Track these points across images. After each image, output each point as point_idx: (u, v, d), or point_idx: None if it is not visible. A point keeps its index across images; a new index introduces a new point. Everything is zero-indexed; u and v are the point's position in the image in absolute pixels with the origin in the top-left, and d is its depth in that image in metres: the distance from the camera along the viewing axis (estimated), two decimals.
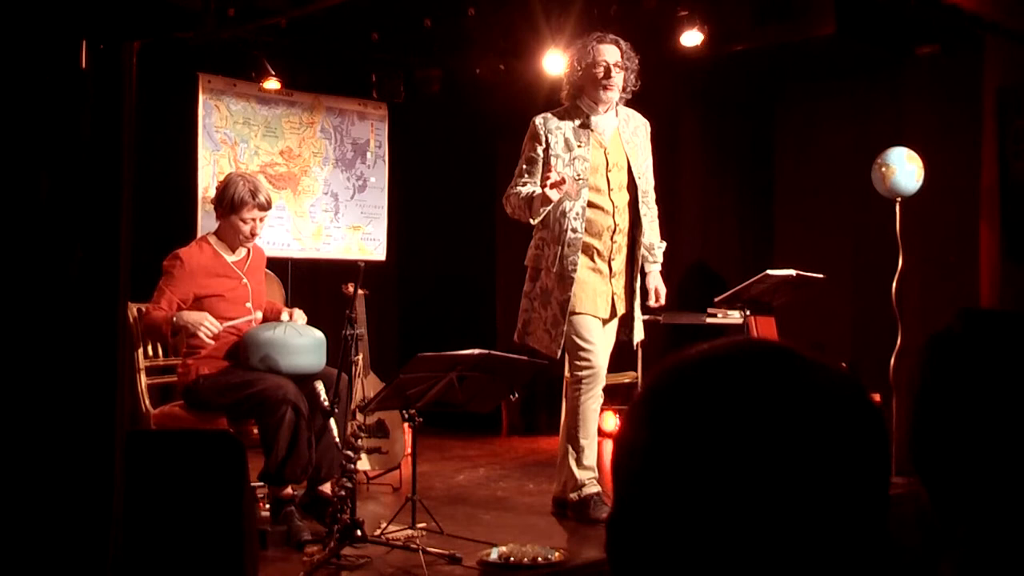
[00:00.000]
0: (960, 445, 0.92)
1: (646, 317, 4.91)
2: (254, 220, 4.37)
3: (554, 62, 6.26)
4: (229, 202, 4.33)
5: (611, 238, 4.44)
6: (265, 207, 4.41)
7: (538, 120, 4.49)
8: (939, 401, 0.94)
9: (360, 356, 5.08)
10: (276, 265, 5.28)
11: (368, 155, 7.03)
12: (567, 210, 4.37)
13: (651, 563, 0.79)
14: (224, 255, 4.40)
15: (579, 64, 4.45)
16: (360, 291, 4.50)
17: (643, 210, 4.55)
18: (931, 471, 0.93)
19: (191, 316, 4.16)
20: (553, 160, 4.38)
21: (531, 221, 4.42)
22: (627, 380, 5.92)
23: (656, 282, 4.63)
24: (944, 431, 0.93)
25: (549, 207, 4.32)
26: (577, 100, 4.50)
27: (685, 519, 0.77)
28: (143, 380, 4.48)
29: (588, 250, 4.41)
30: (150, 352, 4.63)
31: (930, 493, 0.96)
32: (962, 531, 0.94)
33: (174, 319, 4.15)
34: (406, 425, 4.18)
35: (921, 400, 0.96)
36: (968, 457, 0.92)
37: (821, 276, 5.93)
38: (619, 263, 4.49)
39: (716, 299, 6.05)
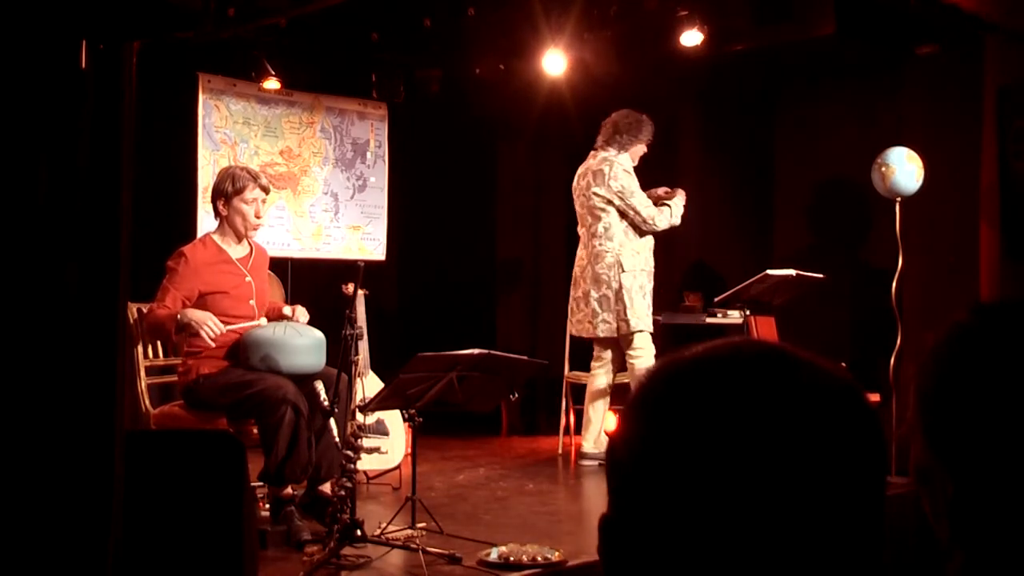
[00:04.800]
0: (980, 441, 0.92)
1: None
2: (256, 200, 4.38)
3: (554, 62, 6.26)
4: (231, 186, 4.34)
5: None
6: (266, 189, 4.45)
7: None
8: (958, 397, 0.93)
9: (360, 356, 5.08)
10: (276, 265, 5.28)
11: (368, 155, 7.03)
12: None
13: (645, 564, 0.79)
14: (228, 251, 4.40)
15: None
16: (360, 291, 4.50)
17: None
18: (952, 463, 0.92)
19: (195, 314, 4.15)
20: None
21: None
22: (627, 380, 5.91)
23: None
24: (964, 427, 0.93)
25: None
26: (629, 152, 5.82)
27: (679, 520, 0.76)
28: (143, 380, 4.48)
29: None
30: (150, 352, 4.62)
31: (938, 493, 0.95)
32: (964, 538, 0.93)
33: (178, 316, 4.15)
34: (406, 425, 4.17)
35: (937, 398, 0.95)
36: (988, 453, 0.91)
37: (821, 276, 5.92)
38: None
39: (716, 299, 6.05)
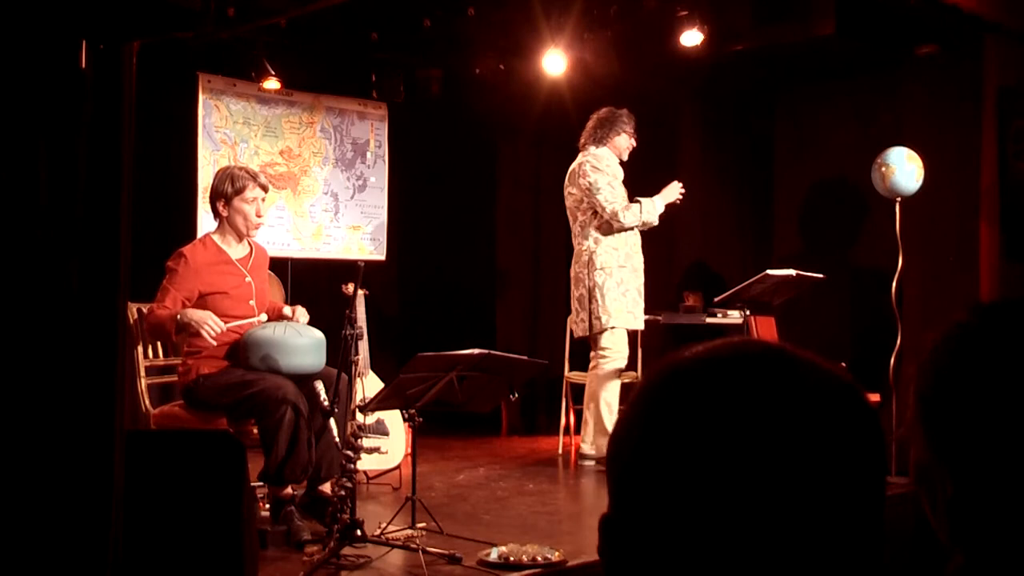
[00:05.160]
0: (980, 441, 0.92)
1: (647, 317, 5.90)
2: (256, 199, 4.37)
3: (554, 62, 6.26)
4: (230, 187, 4.33)
5: None
6: (265, 187, 4.45)
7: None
8: (958, 397, 0.93)
9: (360, 356, 5.08)
10: (276, 265, 5.28)
11: (368, 155, 7.03)
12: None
13: (645, 564, 0.79)
14: (228, 251, 4.40)
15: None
16: (360, 291, 4.50)
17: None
18: (953, 463, 0.92)
19: (195, 314, 4.14)
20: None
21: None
22: (627, 380, 5.92)
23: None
24: (964, 427, 0.93)
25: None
26: (608, 146, 5.75)
27: (679, 520, 0.76)
28: (143, 380, 4.48)
29: None
30: (150, 352, 4.62)
31: (937, 496, 0.95)
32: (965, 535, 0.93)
33: (179, 316, 4.14)
34: (406, 425, 4.17)
35: (937, 398, 0.95)
36: (988, 453, 0.91)
37: (821, 276, 5.92)
38: None
39: (716, 299, 6.05)
